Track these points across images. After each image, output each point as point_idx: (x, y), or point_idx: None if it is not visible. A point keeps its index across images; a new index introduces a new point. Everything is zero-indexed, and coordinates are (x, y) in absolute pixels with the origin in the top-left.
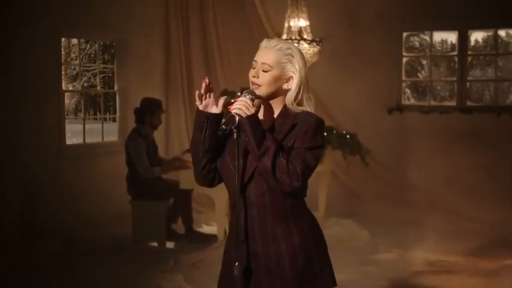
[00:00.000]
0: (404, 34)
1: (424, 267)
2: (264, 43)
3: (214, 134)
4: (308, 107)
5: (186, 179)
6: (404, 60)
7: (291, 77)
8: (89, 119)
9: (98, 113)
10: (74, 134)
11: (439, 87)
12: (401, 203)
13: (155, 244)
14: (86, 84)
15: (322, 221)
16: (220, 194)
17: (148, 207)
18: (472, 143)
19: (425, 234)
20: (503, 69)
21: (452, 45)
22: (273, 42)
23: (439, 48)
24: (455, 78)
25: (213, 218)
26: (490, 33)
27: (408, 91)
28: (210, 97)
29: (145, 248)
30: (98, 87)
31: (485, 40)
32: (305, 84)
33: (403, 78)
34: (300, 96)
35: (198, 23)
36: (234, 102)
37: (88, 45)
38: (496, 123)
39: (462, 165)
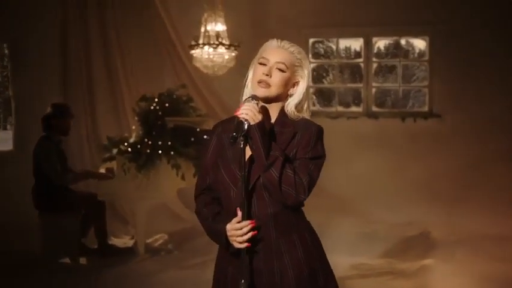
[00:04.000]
0: (311, 40)
1: (350, 271)
2: (275, 43)
3: None
4: (306, 115)
5: (105, 189)
6: (311, 66)
7: (298, 82)
8: None
9: None
10: None
11: (344, 94)
12: (312, 208)
13: (67, 260)
14: None
15: None
16: (142, 206)
17: (60, 220)
18: (379, 147)
19: (340, 238)
20: (404, 75)
21: (356, 52)
22: (286, 43)
23: (344, 55)
24: (361, 85)
25: (122, 230)
26: (391, 41)
27: (314, 97)
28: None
29: (57, 264)
30: None
31: (386, 48)
32: (307, 91)
33: (310, 84)
34: (301, 103)
35: (98, 27)
36: (239, 107)
37: None
38: (401, 127)
39: (370, 169)
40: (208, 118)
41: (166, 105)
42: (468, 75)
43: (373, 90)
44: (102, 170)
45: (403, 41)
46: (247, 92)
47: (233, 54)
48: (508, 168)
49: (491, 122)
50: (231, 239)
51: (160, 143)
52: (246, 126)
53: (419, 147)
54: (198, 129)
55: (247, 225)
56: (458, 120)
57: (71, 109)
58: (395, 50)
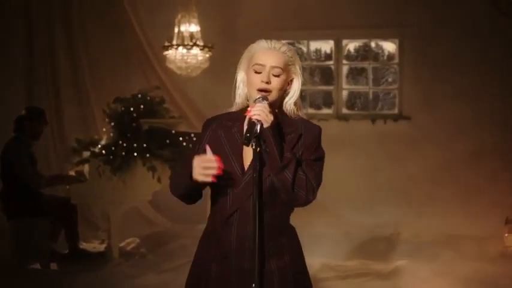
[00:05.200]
0: None
1: (327, 273)
2: (265, 44)
3: None
4: (301, 113)
5: (76, 192)
6: None
7: (292, 79)
8: None
9: None
10: None
11: (315, 96)
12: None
13: (37, 266)
14: None
15: None
16: (117, 209)
17: (29, 225)
18: (349, 149)
19: (314, 240)
20: (374, 77)
21: (327, 54)
22: (276, 43)
23: (314, 57)
24: (332, 87)
25: (92, 234)
26: (361, 44)
27: None
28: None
29: (27, 271)
30: None
31: (356, 50)
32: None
33: None
34: (298, 100)
35: (63, 28)
36: (250, 108)
37: None
38: (371, 129)
39: (341, 171)
40: (183, 120)
41: (142, 107)
42: (437, 78)
43: (344, 92)
44: (72, 173)
45: (373, 44)
46: (240, 93)
47: (207, 55)
48: (477, 169)
49: (460, 124)
50: (195, 170)
51: (135, 145)
52: (258, 128)
53: (389, 149)
54: (173, 131)
55: (215, 159)
56: (428, 122)
57: (44, 113)
58: (365, 53)
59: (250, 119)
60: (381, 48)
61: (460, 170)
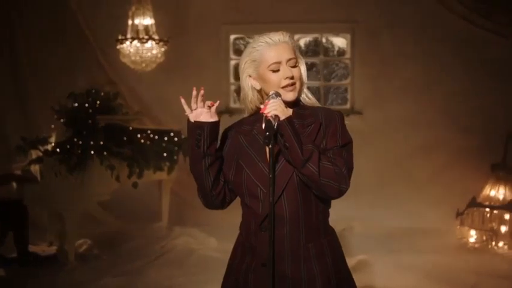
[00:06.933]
0: (232, 37)
1: None
2: (271, 40)
3: (214, 145)
4: (314, 100)
5: (31, 194)
6: (232, 63)
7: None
8: None
9: None
10: None
11: None
12: (237, 209)
13: None
14: None
15: (167, 231)
16: (73, 210)
17: None
18: None
19: None
20: (324, 72)
21: None
22: (279, 36)
23: None
24: None
25: (38, 236)
26: (311, 39)
27: (235, 94)
28: (202, 106)
29: None
30: None
31: (307, 45)
32: None
33: (232, 81)
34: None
35: (2, 24)
36: (264, 106)
37: None
38: None
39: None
40: (141, 116)
41: (98, 102)
42: (388, 73)
43: None
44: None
45: (323, 39)
46: (251, 99)
47: (162, 49)
48: (427, 164)
49: (411, 118)
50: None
51: (92, 143)
52: (275, 124)
53: None
54: (130, 128)
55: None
56: (379, 117)
57: None
58: (316, 48)
59: (265, 117)
60: (331, 43)
61: (410, 164)
